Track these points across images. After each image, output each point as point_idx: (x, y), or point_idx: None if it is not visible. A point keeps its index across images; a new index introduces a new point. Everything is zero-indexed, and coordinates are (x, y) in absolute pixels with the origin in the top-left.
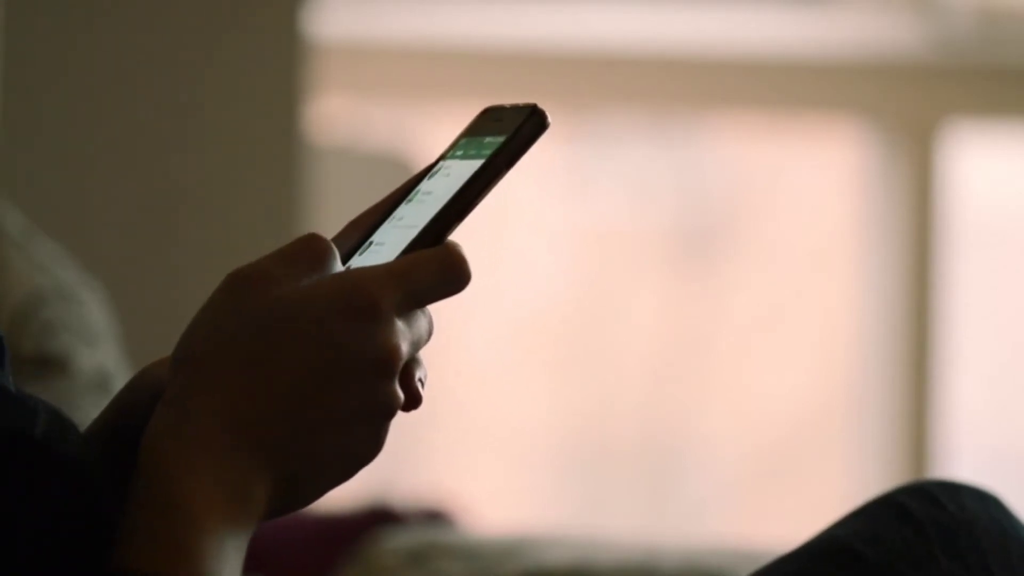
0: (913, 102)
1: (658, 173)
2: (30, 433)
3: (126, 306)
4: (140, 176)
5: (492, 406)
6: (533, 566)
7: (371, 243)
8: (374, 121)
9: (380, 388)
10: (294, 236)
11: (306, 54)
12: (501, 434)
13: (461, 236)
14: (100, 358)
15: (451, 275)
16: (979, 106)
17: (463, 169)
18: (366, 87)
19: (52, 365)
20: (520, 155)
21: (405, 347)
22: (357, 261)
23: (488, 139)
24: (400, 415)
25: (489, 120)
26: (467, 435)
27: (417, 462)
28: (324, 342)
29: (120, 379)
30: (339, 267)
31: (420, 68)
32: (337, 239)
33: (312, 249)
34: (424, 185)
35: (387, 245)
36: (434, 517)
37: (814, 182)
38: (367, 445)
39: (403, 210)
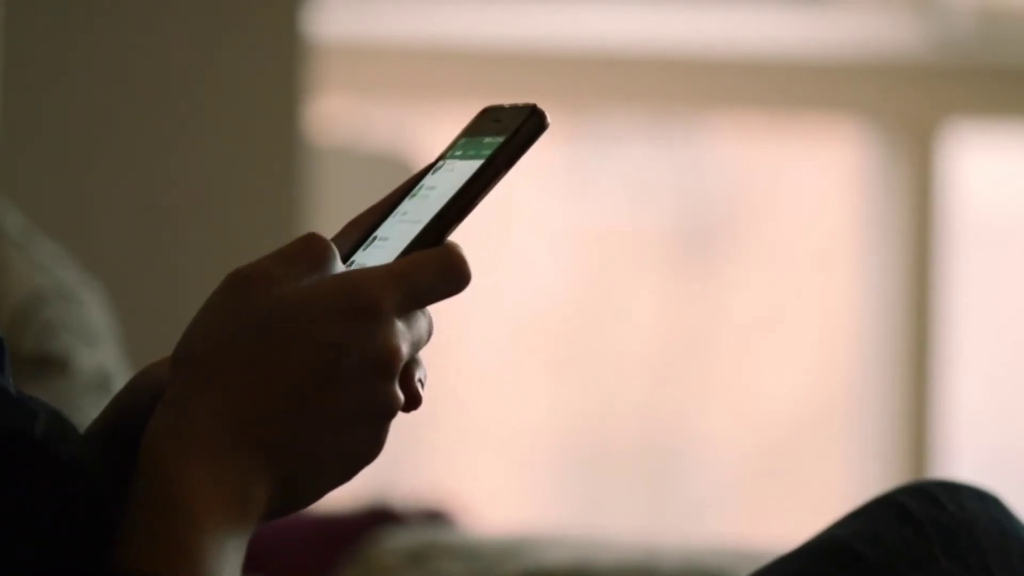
0: (913, 102)
1: (658, 173)
2: (30, 433)
3: (126, 306)
4: (140, 176)
5: (492, 406)
6: (533, 566)
7: (375, 238)
8: (374, 121)
9: (380, 389)
10: (294, 236)
11: (306, 54)
12: (501, 434)
13: (461, 236)
14: (100, 358)
15: (451, 275)
16: (979, 106)
17: (463, 169)
18: (366, 87)
19: (52, 365)
20: (520, 155)
21: (405, 348)
22: (361, 256)
23: (487, 139)
24: (400, 415)
25: (488, 120)
26: (467, 435)
27: (417, 462)
28: (324, 342)
29: (120, 379)
30: (339, 266)
31: (420, 68)
32: (337, 239)
33: (312, 249)
34: (428, 180)
35: (391, 240)
36: (434, 517)
37: (814, 182)
38: (367, 446)
39: (407, 205)
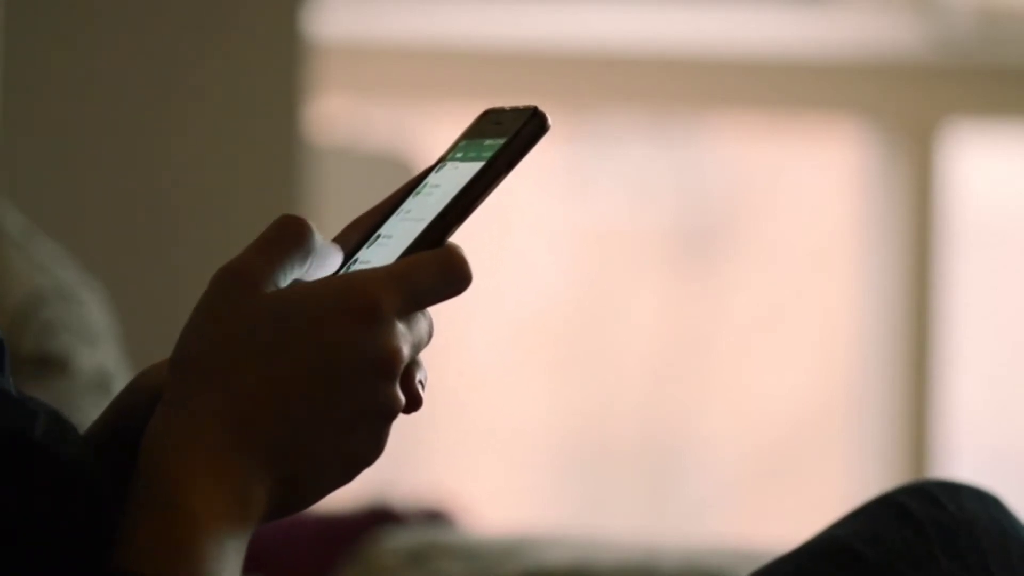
0: (913, 102)
1: (658, 173)
2: (30, 434)
3: (126, 306)
4: (140, 176)
5: (492, 406)
6: (533, 566)
7: (379, 235)
8: (374, 121)
9: (381, 390)
10: None
11: (306, 54)
12: (501, 434)
13: (461, 237)
14: (100, 358)
15: (452, 277)
16: (979, 106)
17: (465, 170)
18: (366, 87)
19: (52, 365)
20: (520, 157)
21: (406, 349)
22: (365, 254)
23: (488, 141)
24: (400, 416)
25: (489, 122)
26: (467, 435)
27: (417, 462)
28: (325, 343)
29: (120, 379)
30: (319, 241)
31: (420, 68)
32: (337, 241)
33: (289, 228)
34: (432, 178)
35: (395, 238)
36: (434, 517)
37: (814, 182)
38: (368, 447)
39: (411, 203)
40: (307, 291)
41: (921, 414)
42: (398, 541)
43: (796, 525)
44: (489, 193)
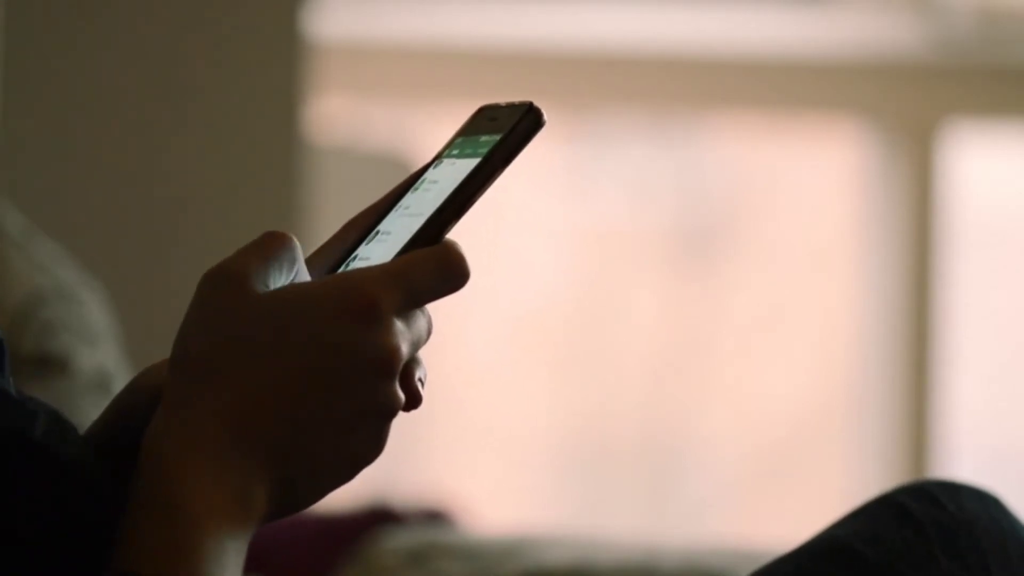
0: (913, 102)
1: (658, 173)
2: (30, 434)
3: (126, 306)
4: (140, 176)
5: (492, 406)
6: (533, 566)
7: (378, 232)
8: (374, 121)
9: (380, 389)
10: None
11: (306, 54)
12: (501, 433)
13: (460, 235)
14: (100, 358)
15: (450, 273)
16: (979, 106)
17: (460, 167)
18: (366, 87)
19: (52, 365)
20: (516, 153)
21: (405, 347)
22: (364, 250)
23: (484, 138)
24: (400, 415)
25: (484, 119)
26: (467, 434)
27: (417, 462)
28: (324, 343)
29: (120, 379)
30: (300, 256)
31: (420, 68)
32: (334, 240)
33: (275, 235)
34: (429, 174)
35: (393, 234)
36: (434, 517)
37: (814, 182)
38: (368, 446)
39: (409, 199)
40: (305, 291)
41: (921, 414)
42: (398, 541)
43: (796, 525)
44: (486, 189)
